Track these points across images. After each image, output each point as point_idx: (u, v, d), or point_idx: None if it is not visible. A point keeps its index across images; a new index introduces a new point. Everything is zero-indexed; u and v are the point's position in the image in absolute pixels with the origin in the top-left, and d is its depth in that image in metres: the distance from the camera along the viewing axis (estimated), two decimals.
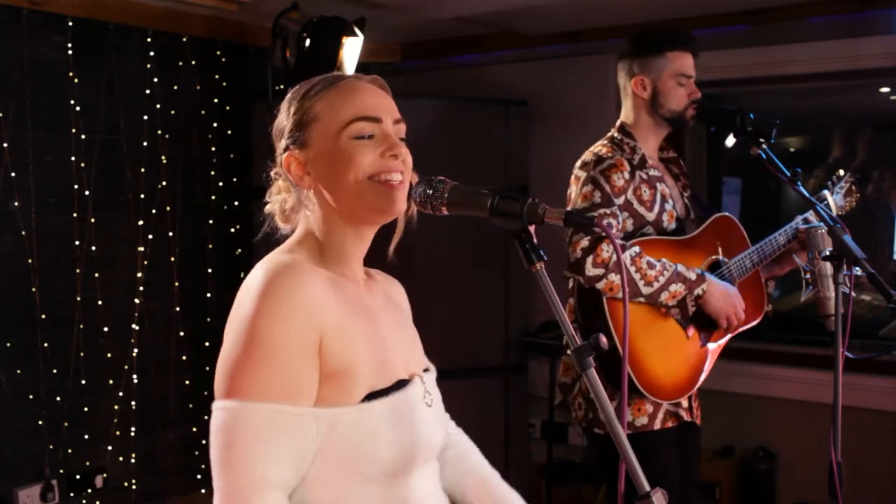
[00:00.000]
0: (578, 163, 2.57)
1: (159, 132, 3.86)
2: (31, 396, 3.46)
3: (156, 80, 3.83)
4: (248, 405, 1.22)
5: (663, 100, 2.57)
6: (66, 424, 3.57)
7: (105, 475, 3.71)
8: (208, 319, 4.01)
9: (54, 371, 3.52)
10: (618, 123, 2.65)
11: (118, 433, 3.75)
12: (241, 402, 1.22)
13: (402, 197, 1.37)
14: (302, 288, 1.27)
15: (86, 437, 3.64)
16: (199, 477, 4.01)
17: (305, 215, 1.42)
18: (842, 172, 2.79)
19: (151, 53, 3.81)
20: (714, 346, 2.60)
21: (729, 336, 2.61)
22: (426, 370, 1.51)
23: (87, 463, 3.66)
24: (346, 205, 1.37)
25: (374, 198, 1.36)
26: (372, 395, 1.31)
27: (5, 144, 3.35)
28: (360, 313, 1.38)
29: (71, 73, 3.55)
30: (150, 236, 3.85)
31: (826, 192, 2.73)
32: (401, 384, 1.37)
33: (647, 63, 2.57)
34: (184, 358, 3.96)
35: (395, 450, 1.31)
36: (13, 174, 3.38)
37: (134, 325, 3.80)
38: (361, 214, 1.39)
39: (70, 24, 3.53)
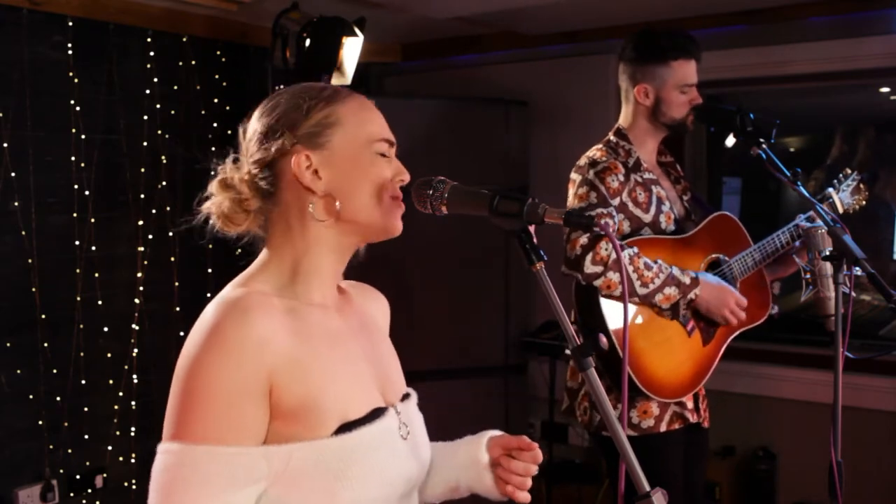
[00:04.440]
0: (574, 167, 2.58)
1: (159, 132, 3.86)
2: (31, 396, 3.46)
3: (156, 80, 3.83)
4: (189, 448, 1.20)
5: (665, 108, 2.57)
6: (66, 424, 3.57)
7: (105, 475, 3.71)
8: None
9: (54, 371, 3.52)
10: (615, 127, 2.66)
11: (118, 433, 3.75)
12: (181, 445, 1.21)
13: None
14: (250, 329, 1.21)
15: (86, 437, 3.64)
16: None
17: (282, 231, 1.36)
18: (849, 171, 2.77)
19: (151, 53, 3.81)
20: (721, 347, 2.60)
21: (733, 335, 2.61)
22: (406, 396, 1.46)
23: (87, 463, 3.66)
24: (354, 215, 1.33)
25: (385, 214, 1.35)
26: (343, 428, 1.26)
27: (5, 144, 3.35)
28: (327, 342, 1.32)
29: (71, 73, 3.55)
30: (150, 236, 3.84)
31: (831, 190, 2.71)
32: (376, 414, 1.32)
33: (651, 71, 2.57)
34: None
35: (362, 488, 1.26)
36: (13, 174, 3.38)
37: (134, 325, 3.80)
38: (366, 226, 1.36)
39: (70, 24, 3.53)
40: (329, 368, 1.29)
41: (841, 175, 2.76)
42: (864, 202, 2.77)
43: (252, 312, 1.23)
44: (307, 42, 3.48)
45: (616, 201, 2.48)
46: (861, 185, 2.75)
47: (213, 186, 1.41)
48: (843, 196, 2.71)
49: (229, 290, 1.31)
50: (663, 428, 2.50)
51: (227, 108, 4.11)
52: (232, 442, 1.20)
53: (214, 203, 1.40)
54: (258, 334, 1.22)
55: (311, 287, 1.35)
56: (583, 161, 2.57)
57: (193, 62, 3.97)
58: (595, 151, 2.59)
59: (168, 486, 1.20)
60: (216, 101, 4.07)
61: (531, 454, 1.43)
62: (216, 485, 1.19)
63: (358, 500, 1.25)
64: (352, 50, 3.54)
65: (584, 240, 2.39)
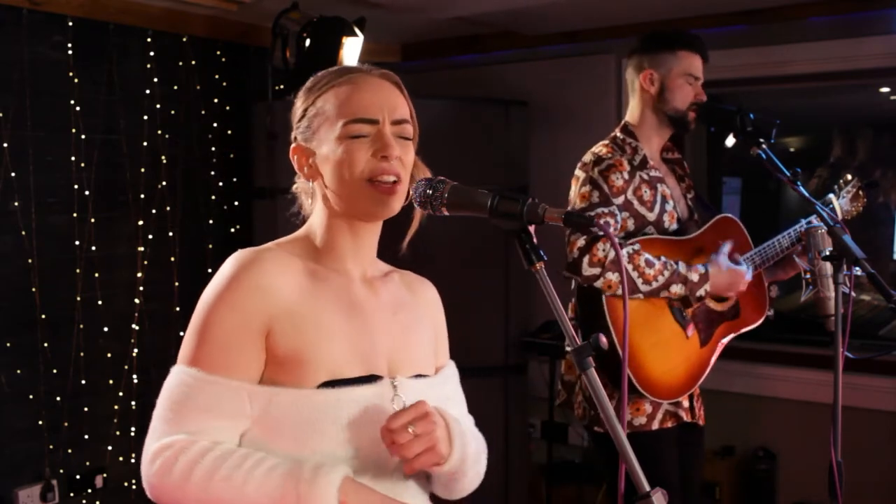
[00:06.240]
0: (579, 163, 2.58)
1: (159, 132, 3.85)
2: (31, 396, 3.46)
3: (156, 80, 3.83)
4: (185, 370, 1.35)
5: (669, 96, 2.57)
6: (66, 424, 3.57)
7: (105, 475, 3.71)
8: None
9: (54, 371, 3.52)
10: (622, 123, 2.66)
11: (118, 433, 3.75)
12: (181, 367, 1.36)
13: (394, 199, 1.40)
14: (257, 275, 1.35)
15: (86, 437, 3.64)
16: None
17: (312, 208, 1.49)
18: (849, 177, 2.78)
19: (151, 53, 3.81)
20: (716, 349, 2.60)
21: (730, 337, 2.62)
22: (418, 376, 1.46)
23: (87, 463, 3.66)
24: (341, 201, 1.41)
25: (365, 200, 1.39)
26: (327, 383, 1.32)
27: (5, 144, 3.35)
28: (339, 307, 1.40)
29: (71, 73, 3.55)
30: (150, 236, 3.84)
31: (832, 196, 2.72)
32: (367, 379, 1.36)
33: (658, 58, 2.59)
34: None
35: (330, 443, 1.31)
36: (13, 174, 3.38)
37: (134, 325, 3.80)
38: (354, 212, 1.42)
39: (70, 24, 3.53)
40: (330, 328, 1.37)
41: (841, 181, 2.76)
42: (861, 209, 2.77)
43: (262, 263, 1.37)
44: (307, 42, 3.48)
45: (620, 199, 2.48)
46: (860, 192, 2.76)
47: (298, 175, 1.54)
48: (843, 202, 2.72)
49: (256, 246, 1.43)
50: (655, 426, 2.51)
51: (227, 108, 4.11)
52: (223, 374, 1.33)
53: (297, 186, 1.56)
54: (263, 282, 1.35)
55: (335, 257, 1.45)
56: (588, 157, 2.56)
57: (193, 62, 3.97)
58: (601, 147, 2.58)
59: (165, 399, 1.37)
60: (216, 101, 4.07)
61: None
62: (199, 407, 1.32)
63: (325, 454, 1.30)
64: (352, 50, 3.54)
65: (581, 242, 2.40)
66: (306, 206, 1.53)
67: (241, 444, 1.34)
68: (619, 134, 2.63)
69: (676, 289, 2.43)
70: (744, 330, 2.63)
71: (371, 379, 1.37)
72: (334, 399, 1.32)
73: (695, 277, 2.45)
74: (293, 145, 1.47)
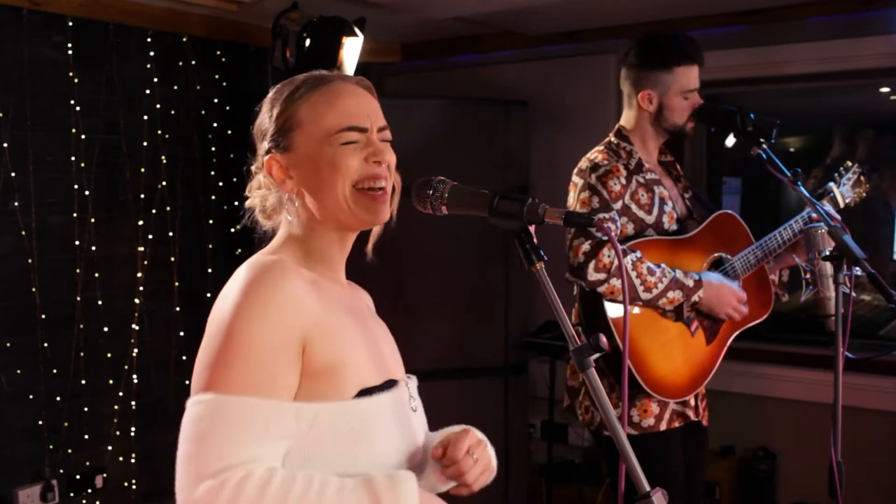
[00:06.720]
0: (575, 169, 2.58)
1: (159, 132, 3.85)
2: (31, 396, 3.46)
3: (156, 80, 3.83)
4: (225, 398, 1.22)
5: (668, 114, 2.57)
6: (66, 424, 3.57)
7: (105, 475, 3.71)
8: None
9: (54, 371, 3.52)
10: (616, 127, 2.65)
11: (118, 433, 3.75)
12: (217, 395, 1.23)
13: (385, 207, 1.39)
14: (284, 287, 1.28)
15: (86, 437, 3.64)
16: None
17: (286, 218, 1.43)
18: (849, 163, 2.77)
19: (151, 53, 3.81)
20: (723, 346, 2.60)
21: (735, 334, 2.62)
22: (408, 376, 1.52)
23: (87, 463, 3.65)
24: (329, 211, 1.39)
25: (357, 208, 1.37)
26: (363, 392, 1.32)
27: (5, 144, 3.35)
28: (348, 314, 1.39)
29: (71, 73, 3.55)
30: (150, 236, 3.84)
31: (832, 185, 2.72)
32: (390, 384, 1.38)
33: (655, 78, 2.56)
34: (184, 358, 3.96)
35: (378, 450, 1.31)
36: (13, 174, 3.38)
37: (134, 325, 3.80)
38: (343, 221, 1.40)
39: (70, 24, 3.53)
40: (350, 337, 1.36)
41: (842, 168, 2.76)
42: (864, 194, 2.77)
43: (289, 273, 1.31)
44: (307, 42, 3.48)
45: (618, 205, 2.48)
46: (861, 178, 2.75)
47: (249, 188, 1.50)
48: (844, 190, 2.72)
49: (260, 257, 1.37)
50: (664, 426, 2.51)
51: (227, 108, 4.11)
52: (268, 395, 1.24)
53: (252, 201, 1.50)
54: (295, 293, 1.29)
55: (327, 266, 1.43)
56: (584, 164, 2.56)
57: (193, 62, 3.97)
58: (596, 154, 2.58)
59: (201, 435, 1.21)
60: (216, 101, 4.07)
61: (453, 469, 1.38)
62: (250, 435, 1.21)
63: (375, 464, 1.30)
64: (352, 50, 3.53)
65: (586, 247, 2.40)
66: (263, 222, 1.48)
67: (284, 463, 1.26)
68: (613, 139, 2.62)
69: (674, 294, 2.44)
70: (749, 325, 2.63)
71: (391, 383, 1.39)
72: (375, 407, 1.32)
73: (690, 283, 2.47)
74: (267, 157, 1.41)
